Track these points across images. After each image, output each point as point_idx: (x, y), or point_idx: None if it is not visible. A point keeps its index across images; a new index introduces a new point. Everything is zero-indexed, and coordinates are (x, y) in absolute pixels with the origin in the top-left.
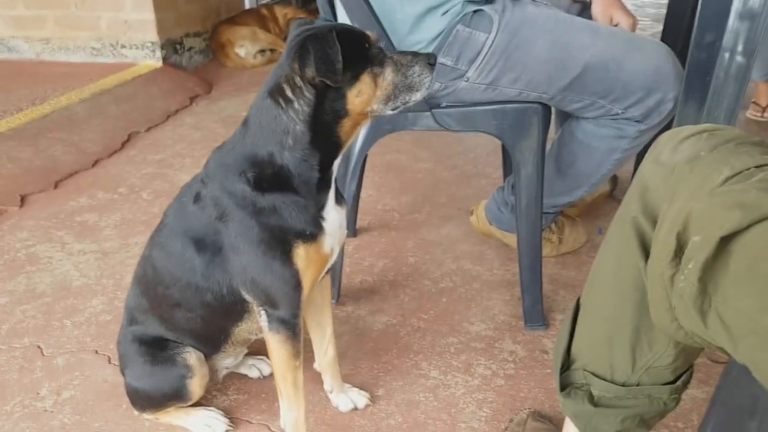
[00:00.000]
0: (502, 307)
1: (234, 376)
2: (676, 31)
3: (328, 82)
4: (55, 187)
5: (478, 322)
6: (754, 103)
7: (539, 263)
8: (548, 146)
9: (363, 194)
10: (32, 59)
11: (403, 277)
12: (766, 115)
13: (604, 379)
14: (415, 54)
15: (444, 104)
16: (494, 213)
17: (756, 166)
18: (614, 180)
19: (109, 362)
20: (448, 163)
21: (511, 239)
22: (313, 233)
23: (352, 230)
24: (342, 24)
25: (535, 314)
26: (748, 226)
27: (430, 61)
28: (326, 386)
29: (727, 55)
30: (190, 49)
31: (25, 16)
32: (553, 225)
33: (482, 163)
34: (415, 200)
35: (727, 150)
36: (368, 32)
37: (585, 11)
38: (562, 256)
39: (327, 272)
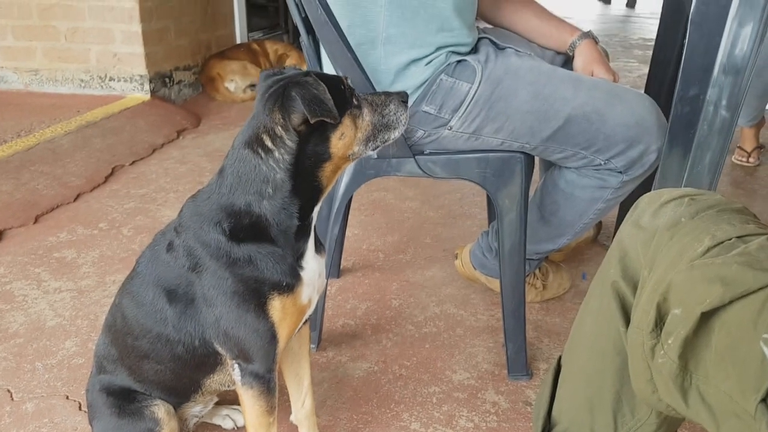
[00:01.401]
0: (485, 354)
1: (207, 427)
2: (661, 80)
3: (329, 121)
4: (35, 221)
5: (460, 370)
6: (739, 147)
7: (523, 310)
8: (532, 191)
9: (348, 233)
10: (21, 90)
11: (386, 321)
12: (751, 160)
13: None
14: (387, 93)
15: (427, 151)
16: (479, 258)
17: (737, 237)
18: (599, 225)
19: (80, 409)
20: (435, 203)
21: (496, 284)
22: (289, 284)
23: (336, 271)
24: (313, 70)
25: (519, 363)
26: (730, 302)
27: (403, 98)
28: None
29: (711, 108)
30: (179, 82)
31: (15, 47)
32: (537, 270)
33: (468, 203)
34: (400, 240)
35: (709, 217)
36: (339, 75)
37: (568, 63)
38: (546, 302)
39: (305, 322)
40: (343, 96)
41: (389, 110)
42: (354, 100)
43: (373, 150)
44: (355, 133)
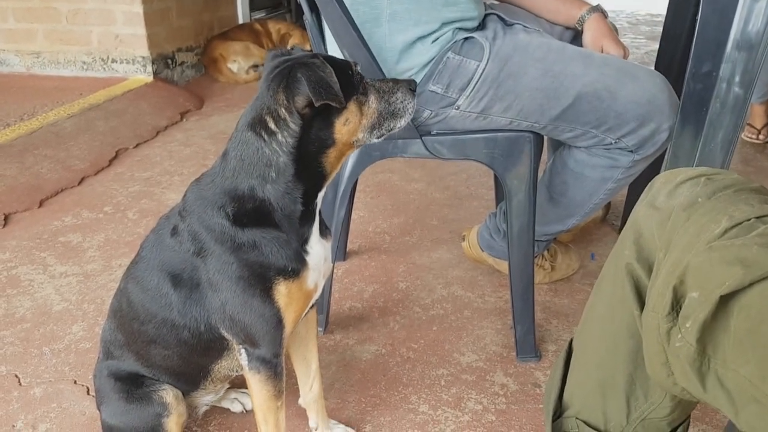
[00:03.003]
0: (493, 336)
1: (216, 411)
2: (671, 56)
3: (333, 105)
4: (40, 205)
5: (468, 352)
6: (749, 125)
7: (531, 292)
8: (540, 172)
9: (354, 215)
10: (23, 73)
11: (393, 304)
12: (761, 137)
13: (598, 430)
14: (396, 81)
15: (434, 132)
16: (486, 240)
17: (756, 217)
18: (607, 205)
19: (88, 393)
20: (441, 184)
21: (504, 266)
22: (295, 269)
23: (343, 254)
24: (322, 53)
25: (527, 345)
26: (750, 285)
27: (411, 87)
28: (311, 423)
29: (724, 85)
30: (181, 63)
31: (16, 30)
32: (545, 251)
33: (475, 184)
34: (406, 222)
35: (726, 197)
36: (348, 60)
37: (577, 39)
38: (555, 283)
39: (312, 306)
40: (350, 81)
41: (396, 98)
42: (361, 86)
43: (378, 138)
44: (360, 120)
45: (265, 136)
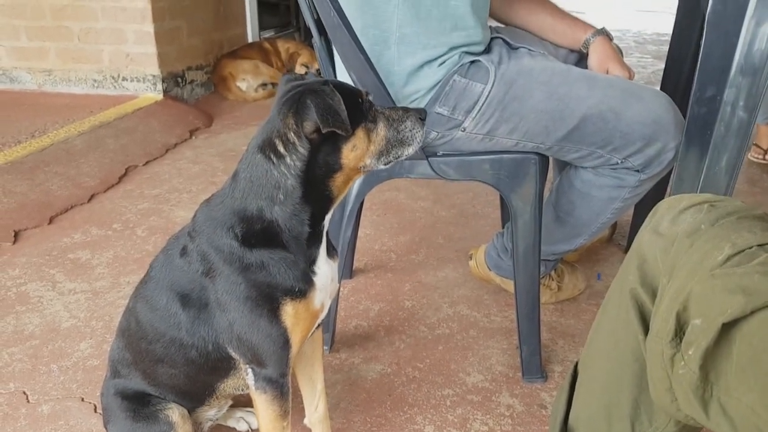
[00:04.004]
0: (499, 356)
1: (221, 429)
2: (677, 76)
3: (340, 132)
4: (50, 222)
5: (474, 372)
6: (755, 145)
7: (537, 313)
8: (546, 192)
9: (360, 233)
10: (34, 90)
11: (399, 323)
12: (767, 157)
13: None
14: (405, 109)
15: (440, 153)
16: (494, 259)
17: (758, 245)
18: (614, 225)
19: (95, 411)
20: (447, 202)
21: (511, 285)
22: (302, 289)
23: (349, 272)
24: (333, 80)
25: (533, 366)
26: (751, 313)
27: (421, 116)
28: None
29: (728, 109)
30: (191, 82)
31: (28, 48)
32: (552, 271)
33: (481, 202)
34: (412, 240)
35: (729, 224)
36: (359, 88)
37: (582, 61)
38: (561, 303)
39: (318, 326)
40: (359, 108)
41: (405, 126)
42: (371, 113)
43: (386, 165)
44: (368, 146)
45: (274, 159)
